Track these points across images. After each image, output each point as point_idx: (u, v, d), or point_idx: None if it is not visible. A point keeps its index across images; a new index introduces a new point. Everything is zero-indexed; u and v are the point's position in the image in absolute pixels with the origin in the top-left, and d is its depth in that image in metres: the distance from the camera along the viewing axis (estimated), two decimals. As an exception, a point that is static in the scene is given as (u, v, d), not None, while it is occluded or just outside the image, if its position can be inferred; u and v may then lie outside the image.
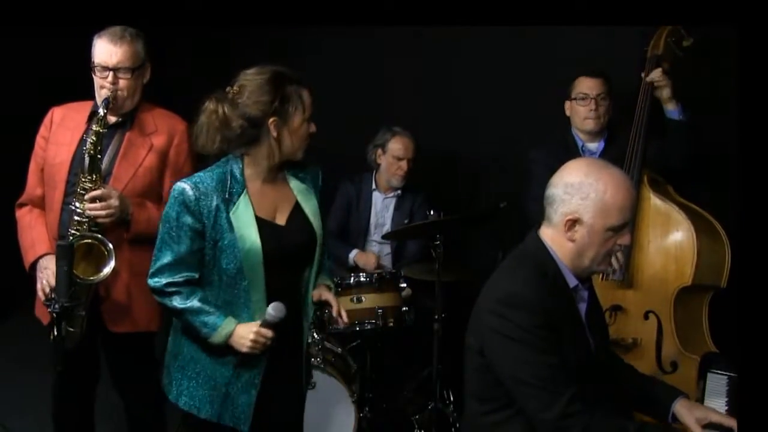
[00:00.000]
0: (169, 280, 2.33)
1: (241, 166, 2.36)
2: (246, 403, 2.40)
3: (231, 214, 2.31)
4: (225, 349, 2.37)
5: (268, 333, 2.33)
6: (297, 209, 2.45)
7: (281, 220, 2.42)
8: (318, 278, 2.55)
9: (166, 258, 2.32)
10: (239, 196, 2.34)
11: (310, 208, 2.47)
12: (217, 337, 2.33)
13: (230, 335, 2.33)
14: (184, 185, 2.31)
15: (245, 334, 2.32)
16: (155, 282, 2.35)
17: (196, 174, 2.37)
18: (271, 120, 2.30)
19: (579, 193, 2.08)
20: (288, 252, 2.40)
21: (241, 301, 2.36)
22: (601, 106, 3.34)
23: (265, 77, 2.30)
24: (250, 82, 2.30)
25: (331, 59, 4.43)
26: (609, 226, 2.08)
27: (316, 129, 2.39)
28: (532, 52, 3.97)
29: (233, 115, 2.29)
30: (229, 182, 2.34)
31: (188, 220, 2.30)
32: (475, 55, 4.18)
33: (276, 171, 2.42)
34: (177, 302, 2.33)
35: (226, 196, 2.32)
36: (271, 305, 2.32)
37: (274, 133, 2.32)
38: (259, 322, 2.34)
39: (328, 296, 2.55)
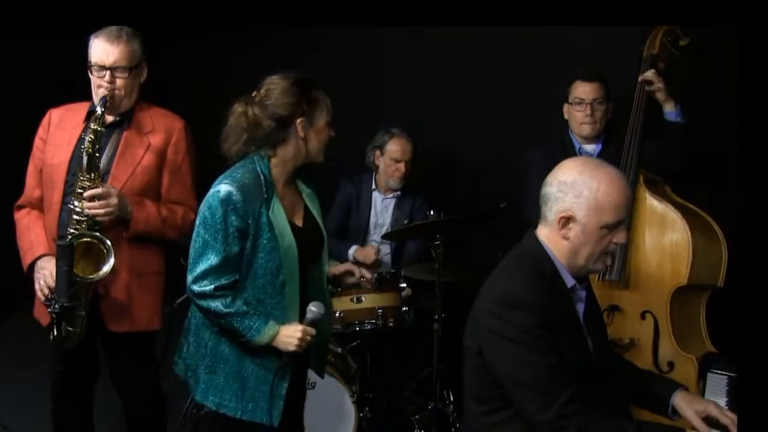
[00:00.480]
0: (217, 283, 2.34)
1: (268, 166, 2.41)
2: (279, 397, 2.43)
3: (270, 213, 2.37)
4: (253, 347, 2.40)
5: (312, 331, 2.41)
6: (307, 211, 2.54)
7: (299, 221, 2.49)
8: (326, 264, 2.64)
9: (212, 260, 2.33)
10: (273, 196, 2.39)
11: (316, 208, 2.57)
12: (260, 340, 2.36)
13: (274, 337, 2.37)
14: (229, 188, 2.33)
15: (292, 333, 2.38)
16: (200, 286, 2.35)
17: (230, 175, 2.39)
18: (299, 120, 2.39)
19: (572, 191, 2.08)
20: (309, 252, 2.49)
21: (275, 300, 2.40)
22: (597, 111, 3.32)
23: (292, 81, 2.41)
24: (277, 85, 2.40)
25: (331, 59, 4.42)
26: (603, 224, 2.08)
27: (335, 134, 2.49)
28: (531, 53, 3.96)
29: (262, 116, 2.37)
30: (263, 182, 2.38)
31: (235, 221, 2.33)
32: (475, 56, 4.17)
33: (296, 173, 2.49)
34: (221, 305, 2.34)
35: (265, 196, 2.37)
36: (313, 303, 2.41)
37: (302, 134, 2.40)
38: (297, 323, 2.41)
39: (346, 266, 2.67)
